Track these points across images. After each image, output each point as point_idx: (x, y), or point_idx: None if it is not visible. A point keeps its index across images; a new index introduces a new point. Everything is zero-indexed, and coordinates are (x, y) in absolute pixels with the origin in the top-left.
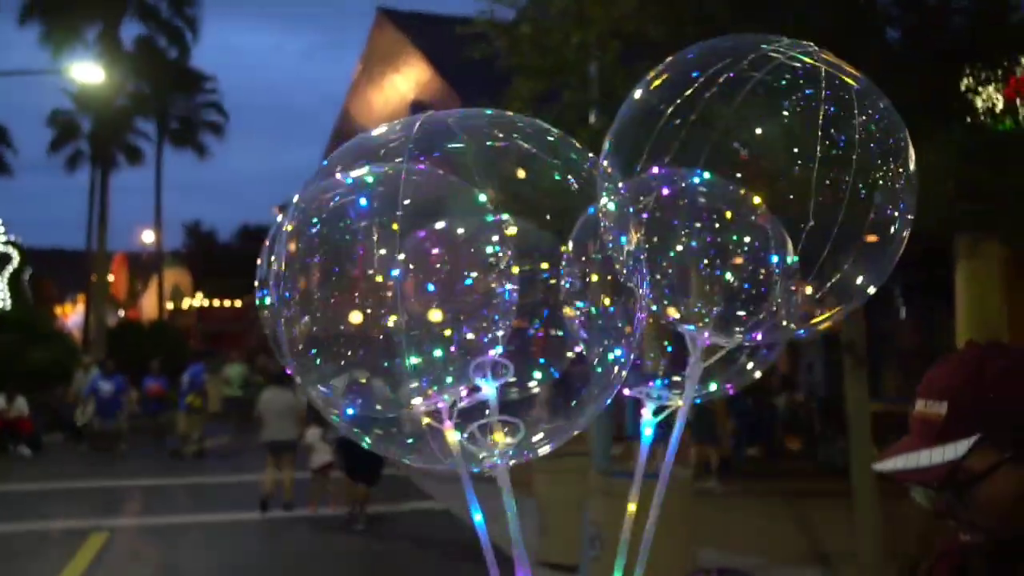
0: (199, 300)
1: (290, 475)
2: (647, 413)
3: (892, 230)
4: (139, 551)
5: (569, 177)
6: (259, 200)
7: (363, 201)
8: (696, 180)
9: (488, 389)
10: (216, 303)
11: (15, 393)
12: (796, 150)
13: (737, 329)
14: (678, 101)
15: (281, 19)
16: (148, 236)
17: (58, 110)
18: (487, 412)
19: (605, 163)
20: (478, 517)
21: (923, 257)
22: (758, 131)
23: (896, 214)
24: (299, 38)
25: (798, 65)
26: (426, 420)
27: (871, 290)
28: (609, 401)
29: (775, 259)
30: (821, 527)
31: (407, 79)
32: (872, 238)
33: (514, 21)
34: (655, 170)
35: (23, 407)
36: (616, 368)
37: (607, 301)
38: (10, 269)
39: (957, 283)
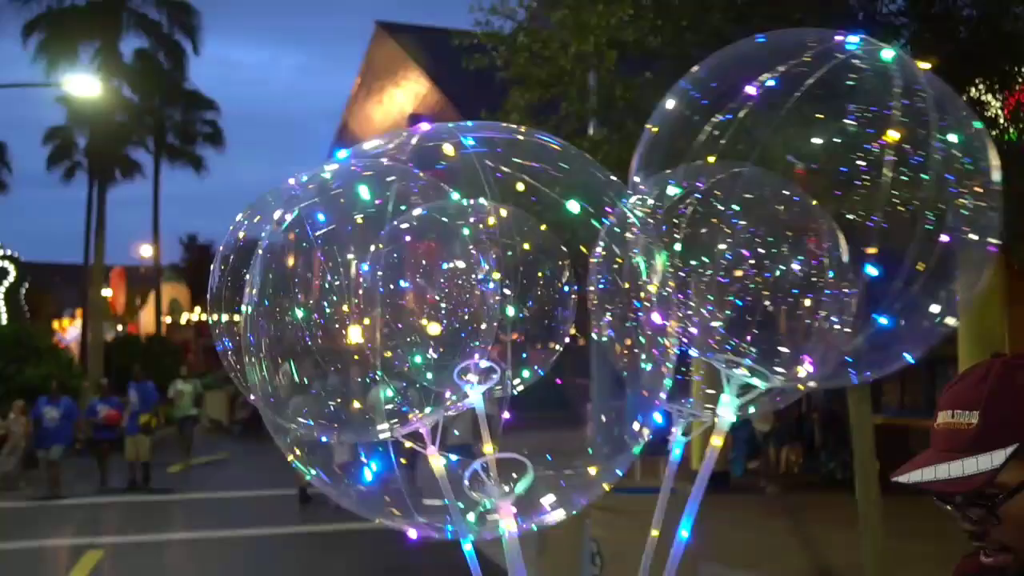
0: (197, 314)
1: None
2: (677, 431)
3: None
4: (133, 568)
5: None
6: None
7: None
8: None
9: (474, 395)
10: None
11: (9, 409)
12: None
13: (778, 371)
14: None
15: (277, 33)
16: (146, 250)
17: (55, 125)
18: (477, 426)
19: (636, 179)
20: (468, 547)
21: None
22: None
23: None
24: (296, 52)
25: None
26: (408, 444)
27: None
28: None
29: (829, 295)
30: (824, 541)
31: (405, 92)
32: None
33: (512, 32)
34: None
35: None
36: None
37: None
38: (6, 284)
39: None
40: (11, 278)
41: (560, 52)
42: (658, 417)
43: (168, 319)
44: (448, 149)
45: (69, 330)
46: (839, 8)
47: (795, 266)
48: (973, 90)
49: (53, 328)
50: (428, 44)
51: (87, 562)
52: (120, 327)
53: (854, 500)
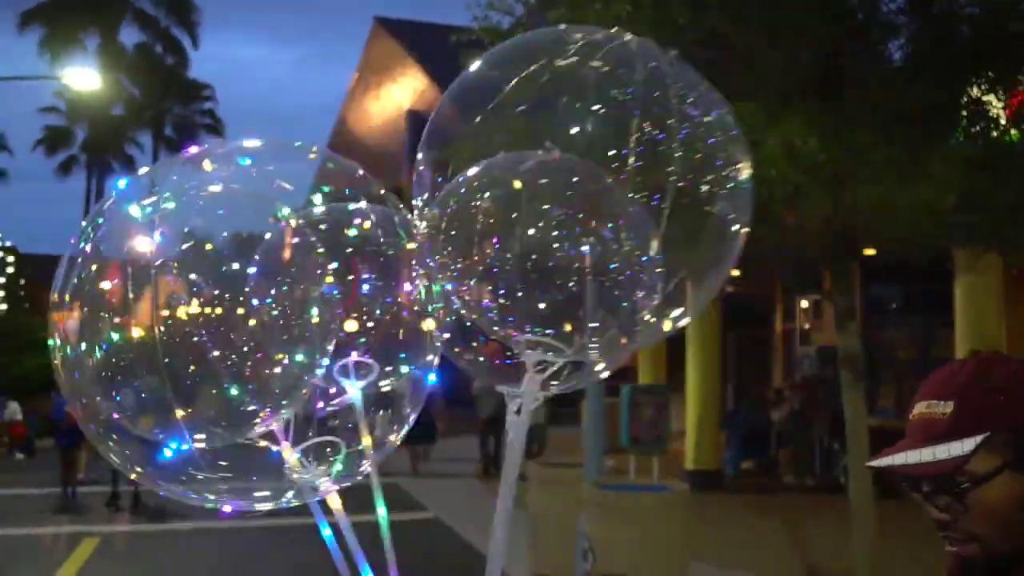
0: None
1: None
2: (511, 410)
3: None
4: (129, 556)
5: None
6: (255, 207)
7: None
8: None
9: (353, 391)
10: None
11: (8, 399)
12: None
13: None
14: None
15: (273, 29)
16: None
17: (52, 115)
18: (354, 414)
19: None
20: (327, 532)
21: (922, 270)
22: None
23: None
24: (293, 48)
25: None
26: (262, 442)
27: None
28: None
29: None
30: (818, 542)
31: (403, 88)
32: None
33: (510, 28)
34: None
35: (17, 412)
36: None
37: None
38: (5, 275)
39: (956, 296)
40: (10, 269)
41: None
42: None
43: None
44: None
45: (67, 322)
46: (839, 7)
47: (583, 248)
48: (975, 90)
49: (51, 320)
50: (426, 40)
51: (83, 550)
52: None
53: (847, 501)
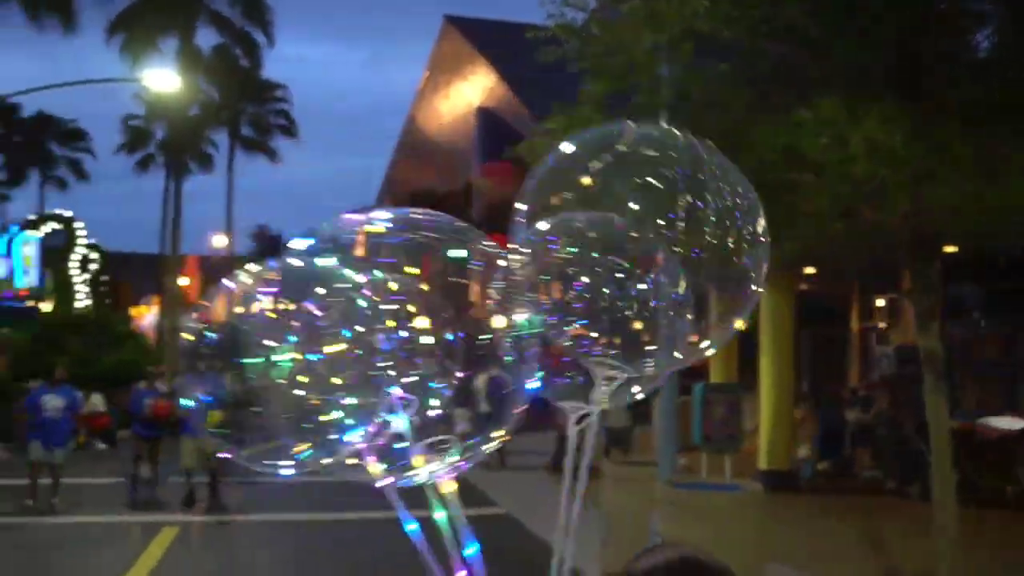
0: None
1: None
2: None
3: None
4: (208, 545)
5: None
6: (326, 206)
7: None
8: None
9: (399, 422)
10: None
11: (92, 391)
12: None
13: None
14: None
15: (341, 28)
16: (220, 240)
17: (131, 115)
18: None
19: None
20: (412, 527)
21: (1004, 268)
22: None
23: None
24: (362, 47)
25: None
26: (351, 461)
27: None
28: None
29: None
30: (896, 545)
31: (472, 86)
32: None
33: (584, 23)
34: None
35: (100, 404)
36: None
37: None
38: (90, 272)
39: None
40: (94, 266)
41: (633, 43)
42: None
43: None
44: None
45: (146, 317)
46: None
47: (640, 285)
48: None
49: (131, 315)
50: (495, 38)
51: (165, 537)
52: (194, 314)
53: (928, 506)
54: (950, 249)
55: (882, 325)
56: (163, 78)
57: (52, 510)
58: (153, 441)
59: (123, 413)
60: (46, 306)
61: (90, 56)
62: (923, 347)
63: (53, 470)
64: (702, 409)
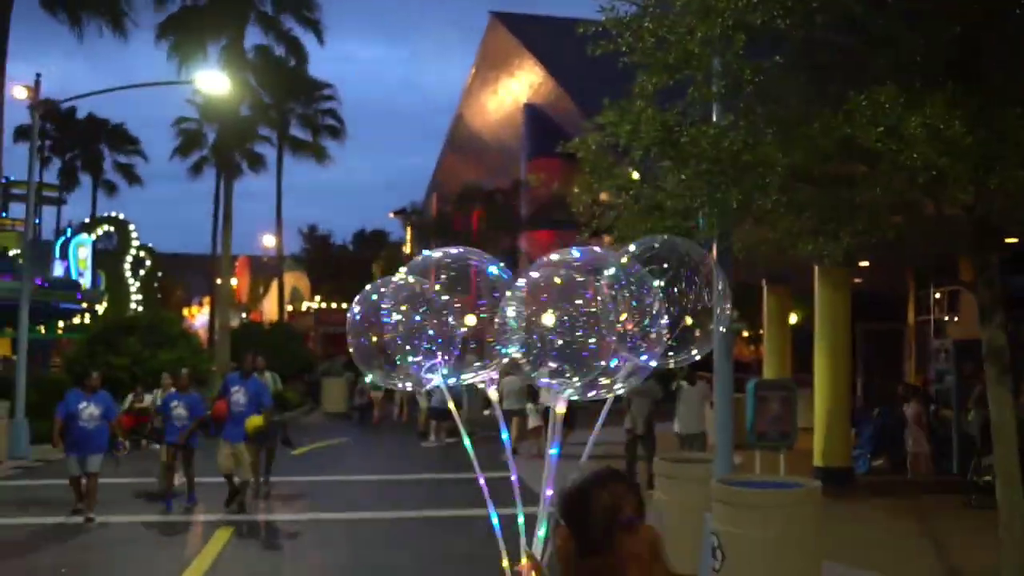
0: (316, 302)
1: (518, 432)
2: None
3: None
4: (264, 547)
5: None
6: (374, 205)
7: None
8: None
9: (437, 378)
10: (332, 305)
11: (145, 390)
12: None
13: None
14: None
15: (389, 27)
16: (269, 240)
17: (183, 118)
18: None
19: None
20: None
21: None
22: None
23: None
24: (408, 45)
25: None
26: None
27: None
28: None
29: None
30: (956, 545)
31: (520, 82)
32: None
33: (636, 16)
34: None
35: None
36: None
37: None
38: (143, 273)
39: None
40: (147, 267)
41: (686, 36)
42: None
43: (289, 307)
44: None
45: (197, 317)
46: None
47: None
48: None
49: (183, 315)
50: (542, 33)
51: (220, 538)
52: (244, 314)
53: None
54: (1011, 240)
55: (942, 318)
56: (214, 80)
57: (87, 522)
58: (185, 449)
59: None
60: (101, 308)
61: (139, 62)
62: (986, 340)
63: (89, 479)
64: (755, 406)
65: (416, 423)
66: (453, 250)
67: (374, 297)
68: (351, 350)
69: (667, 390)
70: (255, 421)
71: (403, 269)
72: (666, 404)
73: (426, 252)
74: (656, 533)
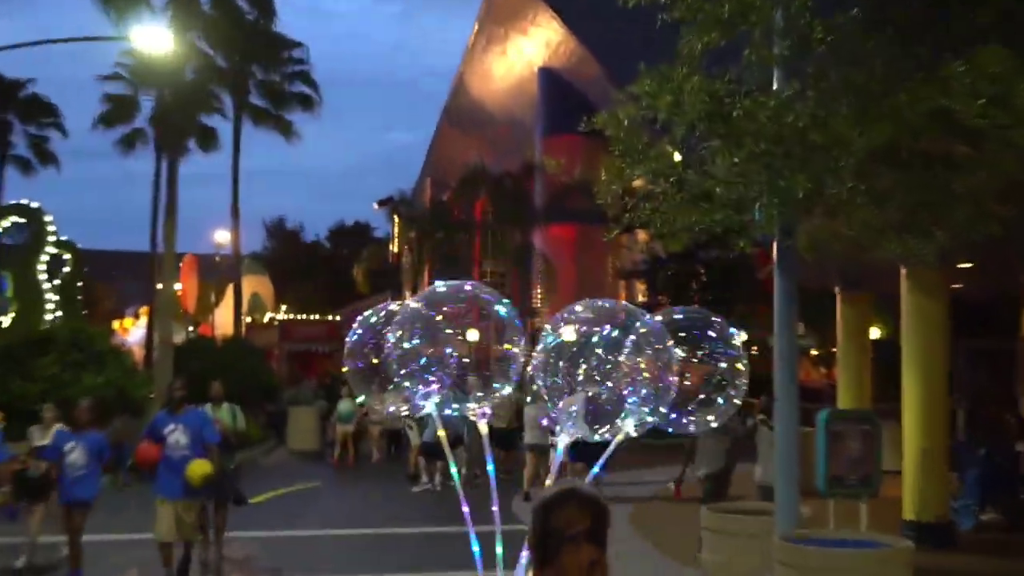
0: (282, 313)
1: (533, 471)
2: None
3: None
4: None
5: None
6: (355, 192)
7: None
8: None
9: (430, 406)
10: (302, 316)
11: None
12: None
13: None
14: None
15: None
16: (223, 236)
17: (113, 75)
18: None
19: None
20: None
21: None
22: None
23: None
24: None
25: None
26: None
27: None
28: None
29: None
30: None
31: (534, 41)
32: None
33: None
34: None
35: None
36: None
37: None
38: (61, 275)
39: None
40: (67, 268)
41: None
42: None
43: (248, 318)
44: None
45: (132, 331)
46: None
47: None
48: None
49: (113, 328)
50: None
51: None
52: (191, 328)
53: None
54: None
55: None
56: (152, 36)
57: None
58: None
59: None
60: (6, 319)
61: (61, 16)
62: None
63: (72, 535)
64: (829, 443)
65: (406, 463)
66: (467, 286)
67: (373, 320)
68: (346, 371)
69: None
70: (200, 468)
71: (411, 299)
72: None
73: (438, 283)
74: (604, 565)
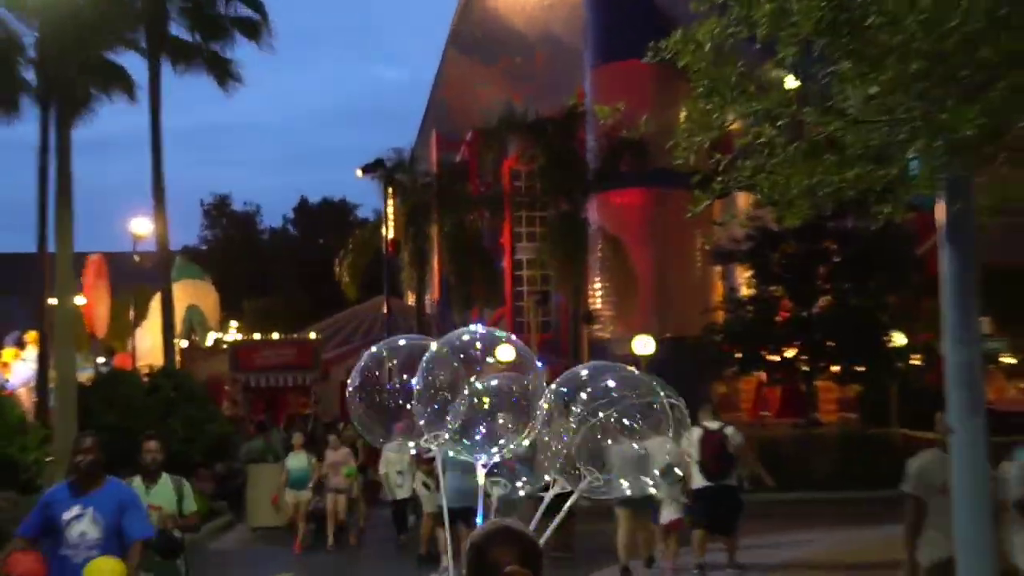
0: (232, 330)
1: (628, 537)
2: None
3: None
4: None
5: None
6: (328, 157)
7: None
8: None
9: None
10: (259, 336)
11: None
12: None
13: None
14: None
15: None
16: (142, 225)
17: None
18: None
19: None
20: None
21: None
22: None
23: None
24: None
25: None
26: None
27: None
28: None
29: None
30: None
31: None
32: None
33: None
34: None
35: None
36: None
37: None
38: None
39: None
40: None
41: None
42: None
43: (184, 341)
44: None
45: (14, 367)
46: None
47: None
48: None
49: None
50: None
51: None
52: (103, 359)
53: None
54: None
55: None
56: None
57: None
58: None
59: None
60: None
61: None
62: None
63: None
64: None
65: (418, 540)
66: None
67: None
68: (351, 409)
69: None
70: (107, 570)
71: (434, 344)
72: None
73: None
74: None
